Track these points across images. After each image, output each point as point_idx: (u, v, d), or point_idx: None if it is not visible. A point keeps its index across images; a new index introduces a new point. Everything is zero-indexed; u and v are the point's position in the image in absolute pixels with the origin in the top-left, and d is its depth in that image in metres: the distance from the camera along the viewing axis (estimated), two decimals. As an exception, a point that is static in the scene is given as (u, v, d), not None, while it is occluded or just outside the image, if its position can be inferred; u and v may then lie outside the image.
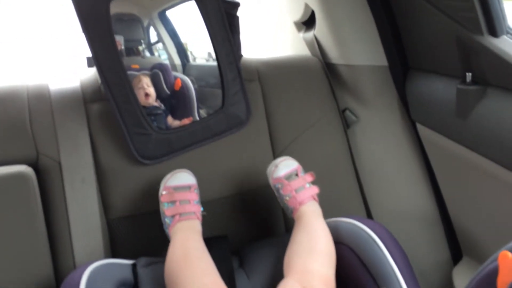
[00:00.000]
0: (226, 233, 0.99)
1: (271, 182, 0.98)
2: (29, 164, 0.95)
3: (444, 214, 1.14)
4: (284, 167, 0.97)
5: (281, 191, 0.95)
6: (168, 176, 0.95)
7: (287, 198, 0.94)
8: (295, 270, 0.79)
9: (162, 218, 0.92)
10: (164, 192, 0.93)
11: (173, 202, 0.91)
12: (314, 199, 0.94)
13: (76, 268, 0.91)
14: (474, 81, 0.86)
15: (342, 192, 1.13)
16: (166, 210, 0.91)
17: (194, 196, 0.93)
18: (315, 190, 0.95)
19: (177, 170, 0.96)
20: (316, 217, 0.90)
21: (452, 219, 1.11)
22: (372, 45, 1.10)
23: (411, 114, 1.10)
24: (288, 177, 0.96)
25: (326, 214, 0.94)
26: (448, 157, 1.00)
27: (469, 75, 0.86)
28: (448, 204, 1.10)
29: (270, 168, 0.99)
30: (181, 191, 0.92)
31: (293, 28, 1.35)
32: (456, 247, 1.15)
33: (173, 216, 0.90)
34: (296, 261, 0.81)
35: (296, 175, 0.96)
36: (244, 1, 1.10)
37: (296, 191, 0.93)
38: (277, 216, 1.10)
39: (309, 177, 0.96)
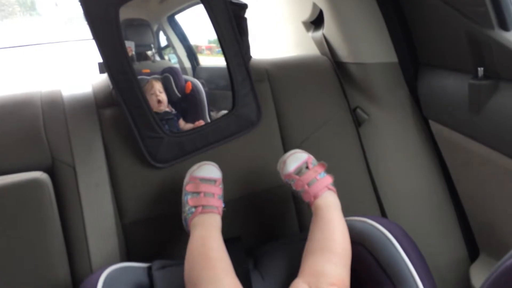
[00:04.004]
0: (239, 234, 0.99)
1: (283, 179, 0.97)
2: (45, 170, 0.96)
3: (460, 211, 1.13)
4: (293, 161, 0.95)
5: (294, 187, 0.94)
6: (195, 167, 0.94)
7: (301, 193, 0.92)
8: (307, 271, 0.79)
9: (182, 207, 0.91)
10: (189, 182, 0.92)
11: (197, 193, 0.90)
12: (330, 189, 0.91)
13: (92, 272, 0.93)
14: (486, 76, 0.85)
15: (355, 191, 1.13)
16: (190, 199, 0.89)
17: (218, 190, 0.92)
18: (328, 180, 0.92)
19: (204, 162, 0.95)
20: (332, 210, 0.88)
21: (468, 216, 1.10)
22: (382, 42, 1.09)
23: (423, 110, 1.09)
24: (298, 171, 0.94)
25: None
26: (462, 153, 0.99)
27: (481, 70, 0.85)
28: (463, 201, 1.09)
29: (279, 164, 0.98)
30: (206, 183, 0.91)
31: (301, 28, 1.35)
32: (473, 244, 1.13)
33: (195, 207, 0.88)
34: (310, 261, 0.81)
35: (307, 167, 0.94)
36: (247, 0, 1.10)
37: (308, 184, 0.91)
38: (290, 216, 1.10)
39: (320, 168, 0.94)
